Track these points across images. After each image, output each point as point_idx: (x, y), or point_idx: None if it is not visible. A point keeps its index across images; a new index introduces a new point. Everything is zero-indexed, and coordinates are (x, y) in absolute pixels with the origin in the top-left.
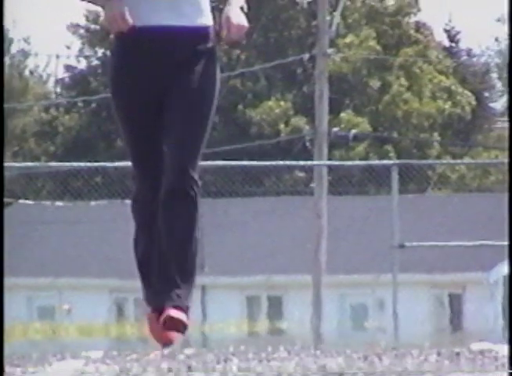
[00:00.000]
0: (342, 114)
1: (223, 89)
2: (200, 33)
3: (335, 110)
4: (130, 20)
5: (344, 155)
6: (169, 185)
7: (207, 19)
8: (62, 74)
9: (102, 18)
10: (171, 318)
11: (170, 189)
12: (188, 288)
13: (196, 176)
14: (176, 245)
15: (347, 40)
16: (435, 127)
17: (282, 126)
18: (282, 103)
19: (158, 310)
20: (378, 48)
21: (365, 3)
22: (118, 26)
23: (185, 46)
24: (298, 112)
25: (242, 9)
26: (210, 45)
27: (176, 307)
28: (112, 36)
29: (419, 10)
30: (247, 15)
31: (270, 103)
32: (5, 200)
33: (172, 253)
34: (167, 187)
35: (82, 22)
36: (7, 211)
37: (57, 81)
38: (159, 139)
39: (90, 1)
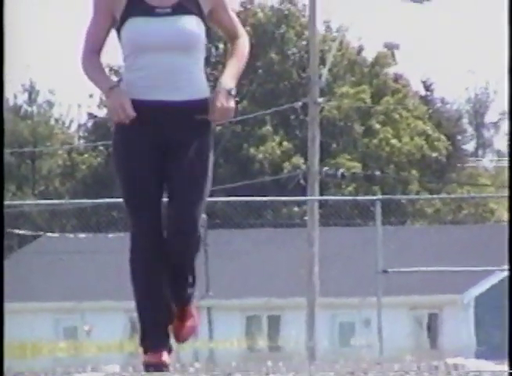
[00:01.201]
0: (333, 155)
1: (227, 133)
2: (195, 106)
3: (326, 151)
4: (132, 112)
5: (334, 191)
6: (176, 241)
7: (202, 93)
8: (84, 120)
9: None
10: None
11: (178, 234)
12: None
13: (199, 229)
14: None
15: (344, 89)
16: (414, 166)
17: (281, 165)
18: (282, 144)
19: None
20: (365, 97)
21: (345, 56)
22: (119, 117)
23: (180, 119)
24: (296, 153)
25: (230, 92)
26: (204, 116)
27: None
28: None
29: (395, 63)
30: (240, 88)
31: (271, 144)
32: (34, 233)
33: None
34: (174, 248)
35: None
36: (36, 243)
37: (79, 127)
38: (157, 194)
39: (97, 86)
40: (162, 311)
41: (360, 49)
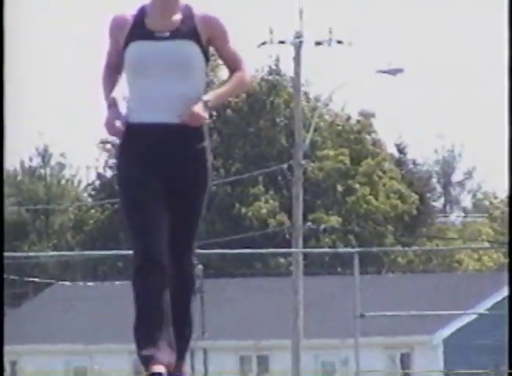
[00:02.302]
0: (315, 211)
1: (220, 193)
2: (191, 130)
3: (310, 208)
4: (120, 127)
5: (316, 244)
6: (175, 269)
7: None
8: (92, 180)
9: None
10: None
11: (176, 273)
12: (186, 346)
13: (193, 260)
14: (179, 319)
15: (324, 153)
16: (389, 221)
17: (269, 221)
18: (270, 202)
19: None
20: (347, 160)
21: (334, 123)
22: (110, 131)
23: (177, 141)
24: (281, 210)
25: (206, 103)
26: (201, 139)
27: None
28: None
29: (374, 131)
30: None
31: (259, 203)
32: (47, 281)
33: (175, 324)
34: (174, 271)
35: (110, 138)
36: (49, 291)
37: (87, 186)
38: (156, 216)
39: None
40: (164, 333)
41: (349, 118)
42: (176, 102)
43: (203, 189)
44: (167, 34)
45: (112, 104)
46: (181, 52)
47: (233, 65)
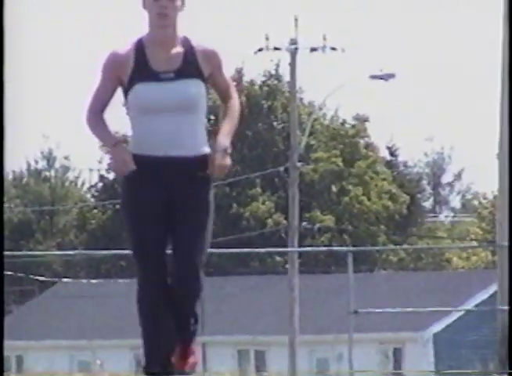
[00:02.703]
0: (310, 211)
1: (219, 194)
2: (197, 161)
3: (305, 208)
4: (132, 166)
5: (312, 242)
6: (181, 287)
7: (203, 150)
8: (95, 182)
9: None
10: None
11: (184, 288)
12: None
13: (202, 276)
14: (184, 325)
15: (318, 155)
16: (381, 221)
17: (266, 221)
18: (266, 203)
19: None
20: (339, 162)
21: (329, 127)
22: (121, 170)
23: (184, 172)
24: (277, 210)
25: (226, 150)
26: (205, 169)
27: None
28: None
29: (367, 135)
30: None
31: (257, 204)
32: (52, 279)
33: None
34: (182, 288)
35: None
36: (54, 288)
37: (90, 188)
38: (163, 248)
39: (101, 142)
40: (165, 344)
41: (343, 122)
42: (182, 136)
43: (207, 216)
44: (172, 75)
45: (120, 142)
46: (187, 93)
47: (226, 94)
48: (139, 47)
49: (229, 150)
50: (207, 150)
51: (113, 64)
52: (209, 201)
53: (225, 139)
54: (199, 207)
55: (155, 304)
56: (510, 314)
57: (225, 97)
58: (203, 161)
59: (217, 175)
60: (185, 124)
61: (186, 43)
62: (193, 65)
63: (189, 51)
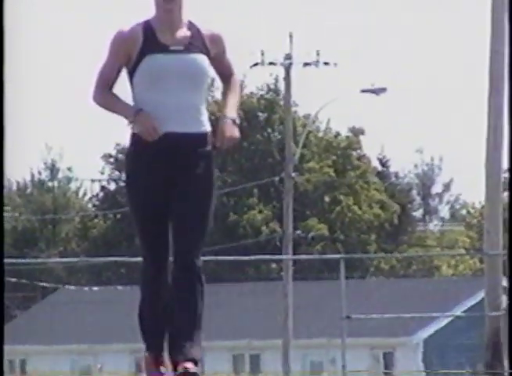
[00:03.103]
0: (304, 220)
1: (217, 203)
2: (199, 138)
3: (300, 217)
4: (160, 131)
5: (306, 250)
6: (180, 271)
7: (205, 127)
8: (97, 192)
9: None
10: (187, 371)
11: (181, 275)
12: (198, 344)
13: (200, 262)
14: (189, 314)
15: (311, 165)
16: (372, 230)
17: (262, 229)
18: (263, 212)
19: (158, 357)
20: (332, 172)
21: (323, 139)
22: (151, 136)
23: (187, 149)
24: (274, 219)
25: (234, 121)
26: (207, 148)
27: (190, 360)
28: (128, 137)
29: (360, 147)
30: (240, 126)
31: (254, 212)
32: (54, 286)
33: (185, 320)
34: (179, 274)
35: (113, 152)
36: (56, 294)
37: (91, 198)
38: (165, 226)
39: (120, 115)
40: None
41: (337, 134)
42: (187, 112)
43: (210, 192)
44: (182, 47)
45: (140, 110)
46: (197, 65)
47: (227, 72)
48: (147, 26)
49: (238, 121)
50: (208, 128)
51: (121, 41)
52: (211, 179)
53: (232, 111)
54: (200, 184)
55: (157, 280)
56: (509, 315)
57: (227, 75)
58: (204, 139)
59: (226, 145)
60: (190, 100)
61: (192, 26)
62: (201, 43)
63: (196, 32)
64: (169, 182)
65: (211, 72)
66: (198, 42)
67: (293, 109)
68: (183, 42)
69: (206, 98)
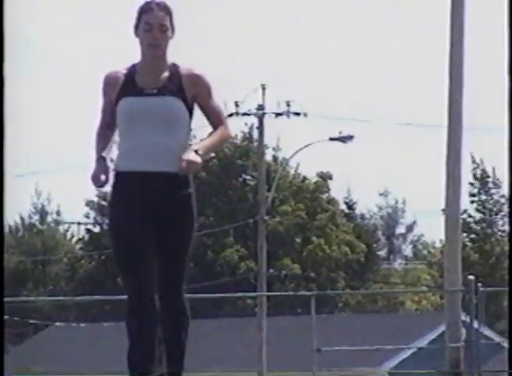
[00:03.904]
0: (278, 259)
1: (195, 243)
2: (173, 176)
3: (273, 256)
4: (104, 181)
5: (279, 287)
6: (167, 308)
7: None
8: (82, 235)
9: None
10: None
11: (168, 311)
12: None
13: (184, 296)
14: (175, 346)
15: (284, 208)
16: (341, 268)
17: (238, 267)
18: (239, 251)
19: None
20: (303, 215)
21: (292, 183)
22: (95, 183)
23: (165, 188)
24: (249, 258)
25: (196, 151)
26: (186, 186)
27: None
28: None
29: (329, 190)
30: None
31: (231, 250)
32: (45, 323)
33: (171, 351)
34: (166, 310)
35: (94, 199)
36: (47, 331)
37: (78, 240)
38: (147, 263)
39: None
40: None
41: (304, 179)
42: (161, 153)
43: (189, 231)
44: (155, 91)
45: (100, 158)
46: (167, 108)
47: (215, 119)
48: (131, 71)
49: (200, 152)
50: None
51: (105, 85)
52: (191, 215)
53: (198, 145)
54: (180, 223)
55: (142, 316)
56: (510, 315)
57: (215, 124)
58: (181, 178)
59: (187, 171)
60: (163, 140)
61: (174, 68)
62: (176, 85)
63: (175, 73)
64: (147, 219)
65: (183, 114)
66: (173, 85)
67: (267, 153)
68: (158, 85)
69: (184, 139)
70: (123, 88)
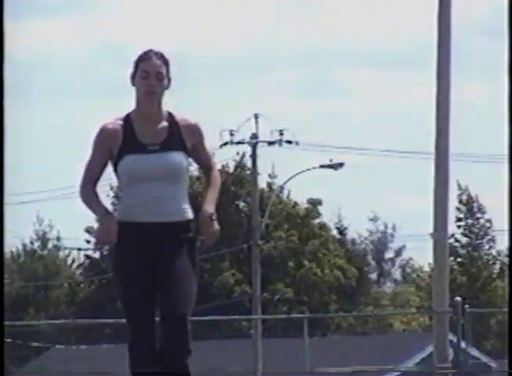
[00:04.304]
0: (272, 283)
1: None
2: (181, 226)
3: (267, 281)
4: (114, 238)
5: (273, 310)
6: (168, 353)
7: (186, 215)
8: (82, 260)
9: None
10: None
11: (169, 356)
12: None
13: (189, 344)
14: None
15: (277, 234)
16: (333, 291)
17: (234, 290)
18: (235, 275)
19: None
20: (296, 240)
21: (284, 209)
22: (103, 241)
23: (169, 236)
24: (245, 282)
25: (211, 216)
26: (189, 234)
27: None
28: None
29: (320, 214)
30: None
31: (226, 274)
32: (46, 345)
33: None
34: (168, 354)
35: (95, 225)
36: (47, 353)
37: (78, 266)
38: (151, 306)
39: (93, 213)
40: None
41: (295, 205)
42: (166, 204)
43: (193, 274)
44: (158, 147)
45: (108, 213)
46: (171, 165)
47: (207, 165)
48: (127, 122)
49: (215, 217)
50: (189, 215)
51: (103, 139)
52: (194, 262)
53: (209, 206)
54: (185, 268)
55: (145, 361)
56: (510, 315)
57: (207, 169)
58: (186, 226)
59: (209, 241)
60: (169, 192)
61: (170, 118)
62: (177, 138)
63: (173, 125)
64: (154, 268)
65: (186, 167)
66: (175, 138)
67: (261, 180)
68: (159, 139)
69: (185, 189)
70: (124, 144)
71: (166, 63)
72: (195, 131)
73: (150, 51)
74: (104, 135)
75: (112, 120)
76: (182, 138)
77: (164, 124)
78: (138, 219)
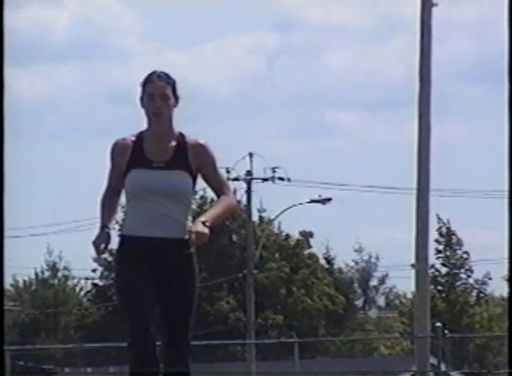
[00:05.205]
0: (264, 310)
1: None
2: (179, 242)
3: (260, 308)
4: (103, 250)
5: (266, 336)
6: (170, 365)
7: (184, 234)
8: (90, 288)
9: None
10: None
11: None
12: None
13: (187, 358)
14: None
15: (269, 266)
16: (321, 317)
17: (229, 317)
18: (230, 303)
19: None
20: (287, 269)
21: (276, 241)
22: (96, 251)
23: (168, 252)
24: (239, 309)
25: (204, 222)
26: (188, 250)
27: None
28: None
29: (310, 246)
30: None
31: (222, 302)
32: (54, 368)
33: None
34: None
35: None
36: None
37: (86, 293)
38: (150, 317)
39: (99, 217)
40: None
41: (287, 237)
42: (167, 221)
43: (193, 289)
44: (163, 164)
45: (105, 227)
46: (174, 182)
47: (219, 190)
48: (139, 139)
49: (208, 223)
50: (187, 236)
51: (114, 152)
52: (194, 277)
53: (205, 215)
54: (184, 284)
55: (146, 358)
56: (509, 315)
57: (218, 193)
58: (184, 243)
59: (195, 242)
60: (170, 209)
61: (181, 138)
62: (183, 158)
63: (182, 145)
64: (153, 281)
65: (188, 187)
66: (180, 157)
67: (254, 216)
68: (165, 157)
69: (186, 209)
70: (132, 159)
71: (170, 83)
72: (201, 151)
73: (154, 73)
74: (114, 150)
75: (127, 135)
76: (188, 158)
77: (173, 143)
78: (139, 233)
